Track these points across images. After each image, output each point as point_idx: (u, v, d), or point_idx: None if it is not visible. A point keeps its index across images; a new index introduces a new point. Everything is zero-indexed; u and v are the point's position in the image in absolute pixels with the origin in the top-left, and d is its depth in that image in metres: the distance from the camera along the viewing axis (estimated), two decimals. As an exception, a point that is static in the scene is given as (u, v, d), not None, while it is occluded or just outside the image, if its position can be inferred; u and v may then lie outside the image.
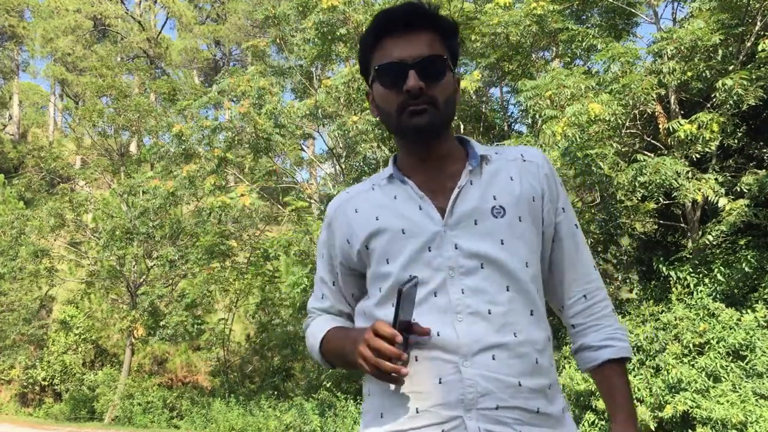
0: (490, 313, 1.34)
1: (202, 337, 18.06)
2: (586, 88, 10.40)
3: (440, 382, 1.32)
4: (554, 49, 13.71)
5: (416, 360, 1.35)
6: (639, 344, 9.48)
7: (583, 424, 9.35)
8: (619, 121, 10.58)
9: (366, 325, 1.42)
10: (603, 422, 9.22)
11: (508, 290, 1.37)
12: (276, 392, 16.63)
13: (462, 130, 13.49)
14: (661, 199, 11.23)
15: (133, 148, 30.92)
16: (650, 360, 9.30)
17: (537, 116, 11.08)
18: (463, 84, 11.69)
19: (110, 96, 26.67)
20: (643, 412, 8.49)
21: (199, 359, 22.17)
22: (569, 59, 13.66)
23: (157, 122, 22.10)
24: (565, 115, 10.02)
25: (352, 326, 1.56)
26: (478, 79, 11.93)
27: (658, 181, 9.77)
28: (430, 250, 1.39)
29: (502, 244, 1.38)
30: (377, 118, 1.53)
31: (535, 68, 13.00)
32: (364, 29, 12.44)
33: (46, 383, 21.39)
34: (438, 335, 1.33)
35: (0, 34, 42.43)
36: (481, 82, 12.47)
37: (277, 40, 15.00)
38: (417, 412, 1.33)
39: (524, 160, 1.51)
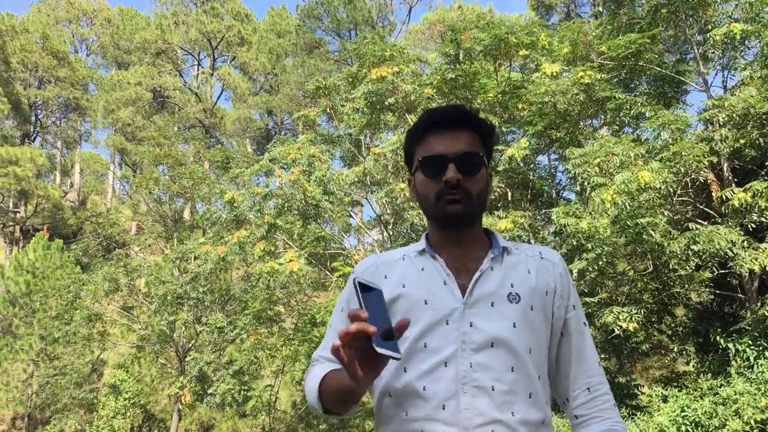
0: (493, 389, 1.45)
1: (248, 403, 17.96)
2: (635, 155, 10.33)
3: None
4: (602, 117, 13.71)
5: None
6: (697, 420, 9.07)
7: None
8: (671, 189, 10.44)
9: (386, 400, 1.53)
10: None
11: (512, 371, 1.47)
12: (321, 462, 16.34)
13: (510, 198, 13.45)
14: (716, 268, 10.92)
15: (186, 214, 31.68)
16: (710, 437, 8.87)
17: (585, 183, 11.00)
18: (510, 152, 11.74)
19: (166, 164, 27.56)
20: (703, 493, 8.06)
21: (245, 426, 22.01)
22: (617, 127, 13.63)
23: (210, 189, 22.65)
24: (615, 183, 9.93)
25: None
26: (525, 146, 11.96)
27: (712, 250, 9.52)
28: (447, 323, 1.50)
29: (514, 327, 1.50)
30: (414, 201, 1.72)
31: (583, 136, 13.00)
32: (412, 98, 12.71)
33: (94, 448, 21.45)
34: (444, 408, 1.44)
35: (65, 106, 44.51)
36: (529, 150, 12.47)
37: (327, 110, 15.37)
38: None
39: (542, 258, 1.64)
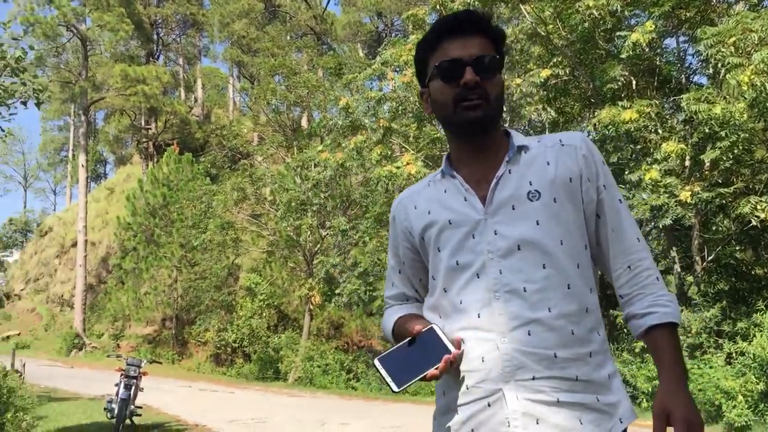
0: (525, 290, 1.48)
1: (374, 303, 18.65)
2: (777, 30, 9.40)
3: (483, 360, 1.48)
4: (739, -10, 12.50)
5: (464, 342, 1.51)
6: None
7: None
8: (818, 65, 9.48)
9: (434, 318, 1.61)
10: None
11: (544, 268, 1.50)
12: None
13: (634, 86, 12.73)
14: None
15: (304, 122, 32.32)
16: None
17: (719, 65, 10.20)
18: (634, 36, 11.02)
19: (282, 74, 27.98)
20: None
21: (372, 324, 23.00)
22: (756, 0, 12.41)
23: (325, 97, 22.88)
24: (753, 63, 9.15)
25: (415, 310, 1.74)
26: (651, 30, 11.15)
27: None
28: (473, 237, 1.55)
29: (538, 224, 1.52)
30: (429, 114, 1.74)
31: (716, 13, 11.94)
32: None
33: (236, 345, 23.16)
34: (479, 317, 1.50)
35: (183, 22, 45.73)
36: (655, 33, 11.62)
37: (438, 7, 14.89)
38: (467, 388, 1.50)
39: (562, 145, 1.62)
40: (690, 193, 10.51)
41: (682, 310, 11.25)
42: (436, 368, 1.46)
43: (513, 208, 1.54)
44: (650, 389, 10.86)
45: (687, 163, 11.67)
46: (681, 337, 10.78)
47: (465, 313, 1.52)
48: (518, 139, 1.63)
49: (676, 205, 10.74)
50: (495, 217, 1.54)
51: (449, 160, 1.68)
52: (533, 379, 1.44)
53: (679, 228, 12.79)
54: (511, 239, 1.51)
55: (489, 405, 1.47)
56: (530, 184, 1.55)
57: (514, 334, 1.46)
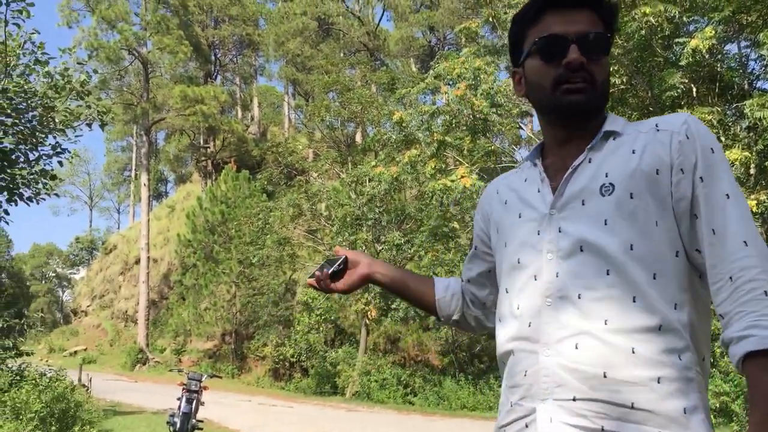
0: (580, 297, 1.26)
1: (430, 318, 18.56)
2: None
3: (525, 375, 1.31)
4: (803, -9, 12.10)
5: (513, 354, 1.36)
6: None
7: None
8: None
9: (499, 326, 1.45)
10: None
11: (608, 274, 1.26)
12: (505, 372, 16.65)
13: (695, 94, 12.41)
14: None
15: (358, 138, 32.55)
16: None
17: (784, 70, 9.87)
18: (693, 43, 10.76)
19: (336, 91, 28.28)
20: None
21: (429, 338, 22.88)
22: (823, 1, 11.99)
23: (379, 112, 23.02)
24: (820, 66, 8.81)
25: (451, 285, 1.70)
26: (711, 36, 10.87)
27: None
28: (538, 234, 1.37)
29: (606, 224, 1.28)
30: (521, 96, 1.52)
31: (780, 16, 11.57)
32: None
33: (294, 360, 23.36)
34: (530, 325, 1.32)
35: (240, 42, 46.73)
36: (716, 39, 11.33)
37: (490, 19, 14.85)
38: (511, 405, 1.35)
39: (658, 130, 1.34)
40: (756, 201, 10.17)
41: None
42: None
43: (583, 203, 1.32)
44: None
45: (752, 171, 11.30)
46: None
47: (518, 320, 1.35)
48: (611, 123, 1.40)
49: (741, 215, 10.39)
50: (562, 213, 1.34)
51: (540, 147, 1.50)
52: (573, 400, 1.22)
53: (745, 238, 12.36)
54: (573, 239, 1.30)
55: (527, 426, 1.29)
56: (606, 176, 1.32)
57: (559, 346, 1.26)
